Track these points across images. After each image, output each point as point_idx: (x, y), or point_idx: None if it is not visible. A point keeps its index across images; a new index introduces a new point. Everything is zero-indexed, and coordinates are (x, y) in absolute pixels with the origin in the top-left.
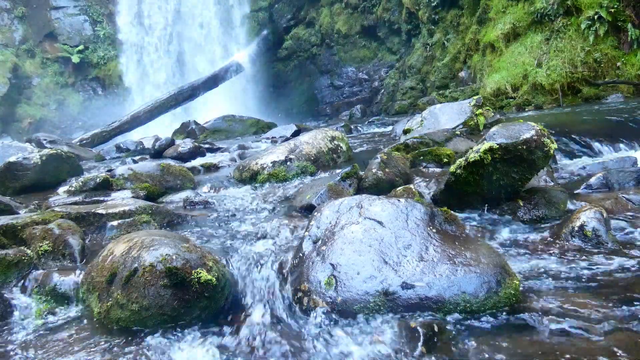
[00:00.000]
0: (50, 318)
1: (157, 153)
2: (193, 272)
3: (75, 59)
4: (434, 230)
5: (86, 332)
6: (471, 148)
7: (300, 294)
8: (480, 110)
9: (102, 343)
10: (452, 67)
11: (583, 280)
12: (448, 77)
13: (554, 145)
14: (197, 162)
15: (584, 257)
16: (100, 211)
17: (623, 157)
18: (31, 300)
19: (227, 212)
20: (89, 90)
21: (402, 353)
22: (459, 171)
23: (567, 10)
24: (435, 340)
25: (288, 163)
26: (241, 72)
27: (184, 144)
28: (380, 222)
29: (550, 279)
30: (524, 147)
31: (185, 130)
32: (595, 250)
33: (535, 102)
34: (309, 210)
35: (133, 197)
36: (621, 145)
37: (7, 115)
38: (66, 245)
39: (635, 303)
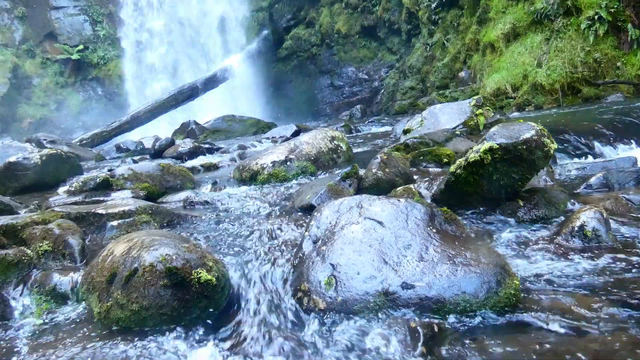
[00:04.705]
0: (50, 318)
1: (157, 153)
2: (193, 272)
3: (75, 57)
4: (434, 230)
5: (86, 332)
6: (471, 148)
7: (300, 294)
8: (480, 110)
9: (102, 343)
10: (452, 67)
11: (583, 280)
12: (448, 77)
13: (554, 145)
14: (197, 162)
15: (584, 257)
16: (100, 211)
17: (623, 157)
18: (31, 300)
19: (227, 212)
20: (89, 90)
21: (402, 353)
22: (459, 171)
23: (567, 10)
24: (435, 340)
25: (288, 163)
26: (240, 73)
27: (184, 144)
28: (380, 222)
29: (550, 279)
30: (524, 147)
31: (185, 130)
32: (595, 250)
33: (535, 102)
34: (309, 210)
35: (133, 197)
36: (621, 145)
37: (7, 115)
38: (66, 245)
39: (636, 303)
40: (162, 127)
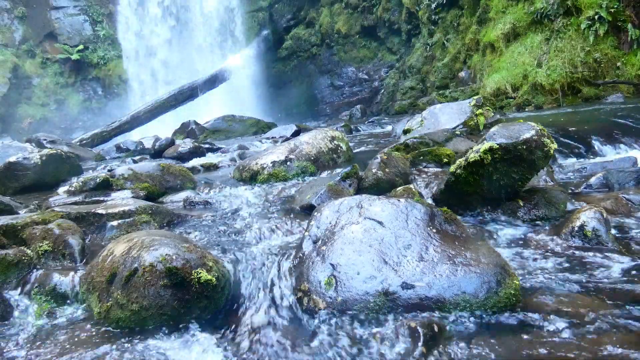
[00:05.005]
0: (50, 318)
1: (157, 153)
2: (193, 272)
3: (75, 57)
4: (434, 230)
5: (86, 332)
6: (471, 148)
7: (300, 294)
8: (480, 110)
9: (102, 343)
10: (452, 67)
11: (583, 280)
12: (448, 77)
13: (554, 145)
14: (197, 162)
15: (584, 257)
16: (100, 211)
17: (623, 157)
18: (31, 300)
19: (227, 212)
20: (89, 90)
21: (402, 353)
22: (459, 171)
23: (567, 10)
24: (435, 340)
25: (288, 163)
26: (240, 73)
27: (184, 144)
28: (380, 222)
29: (550, 279)
30: (524, 147)
31: (185, 130)
32: (595, 250)
33: (535, 102)
34: (309, 210)
35: (133, 197)
36: (621, 145)
37: (7, 115)
38: (66, 245)
39: (636, 303)
40: (162, 127)
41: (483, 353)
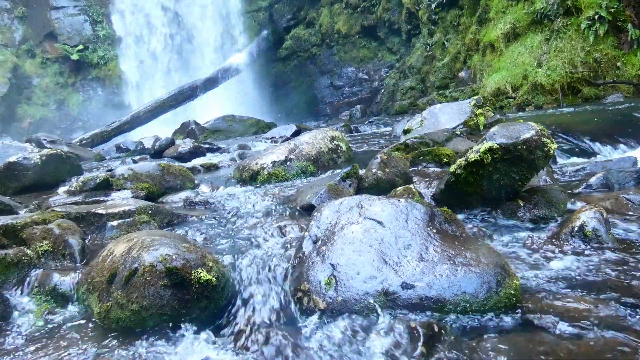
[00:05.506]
0: (50, 318)
1: (157, 153)
2: (193, 272)
3: (75, 57)
4: (434, 230)
5: (86, 332)
6: (471, 148)
7: (300, 294)
8: (480, 110)
9: (102, 343)
10: (452, 67)
11: (583, 280)
12: (448, 77)
13: (554, 145)
14: (197, 162)
15: (584, 257)
16: (100, 211)
17: (623, 157)
18: (31, 300)
19: (227, 212)
20: (89, 90)
21: (402, 353)
22: (459, 171)
23: (567, 10)
24: (435, 340)
25: (288, 163)
26: (240, 73)
27: (184, 144)
28: (380, 222)
29: (550, 279)
30: (524, 147)
31: (185, 130)
32: (595, 250)
33: (535, 102)
34: (309, 210)
35: (133, 197)
36: (621, 145)
37: (7, 115)
38: (66, 245)
39: (636, 303)
40: (162, 127)
41: (483, 353)
